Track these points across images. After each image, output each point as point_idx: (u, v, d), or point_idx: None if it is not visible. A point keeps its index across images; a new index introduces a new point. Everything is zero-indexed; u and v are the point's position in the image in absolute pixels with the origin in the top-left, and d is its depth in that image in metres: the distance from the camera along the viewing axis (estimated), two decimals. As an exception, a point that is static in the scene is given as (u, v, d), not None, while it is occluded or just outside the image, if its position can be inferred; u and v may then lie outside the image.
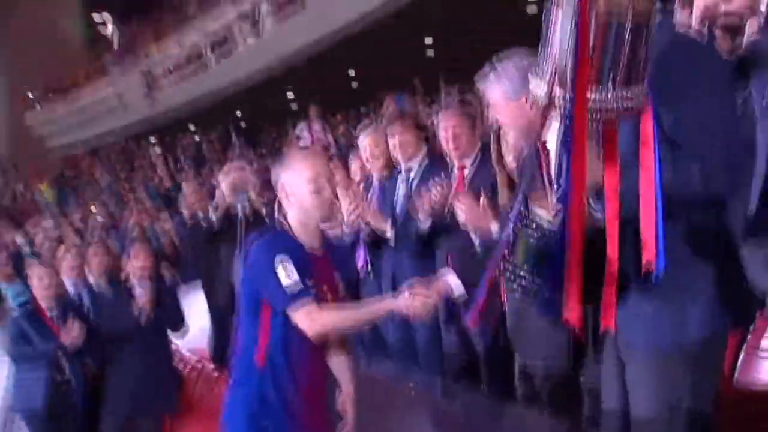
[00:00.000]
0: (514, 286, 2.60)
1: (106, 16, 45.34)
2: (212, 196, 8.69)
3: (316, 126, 16.07)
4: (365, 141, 6.01)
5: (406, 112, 6.04)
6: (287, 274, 3.50)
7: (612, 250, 2.36)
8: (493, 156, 4.75)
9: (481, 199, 4.41)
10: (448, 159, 5.30)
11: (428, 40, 21.99)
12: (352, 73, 25.10)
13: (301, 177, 3.66)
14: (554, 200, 2.48)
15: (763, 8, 3.70)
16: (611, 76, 2.21)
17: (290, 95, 27.39)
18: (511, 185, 4.61)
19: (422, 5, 18.93)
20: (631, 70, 2.22)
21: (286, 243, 3.62)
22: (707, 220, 2.61)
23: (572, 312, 2.42)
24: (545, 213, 2.52)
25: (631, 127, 2.36)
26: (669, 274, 2.47)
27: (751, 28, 3.64)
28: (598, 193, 2.38)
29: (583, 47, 2.18)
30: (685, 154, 2.46)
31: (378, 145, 5.86)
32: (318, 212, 3.66)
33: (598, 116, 2.25)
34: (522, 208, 2.61)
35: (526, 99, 3.14)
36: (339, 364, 3.96)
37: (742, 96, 4.09)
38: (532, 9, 18.81)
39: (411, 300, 3.54)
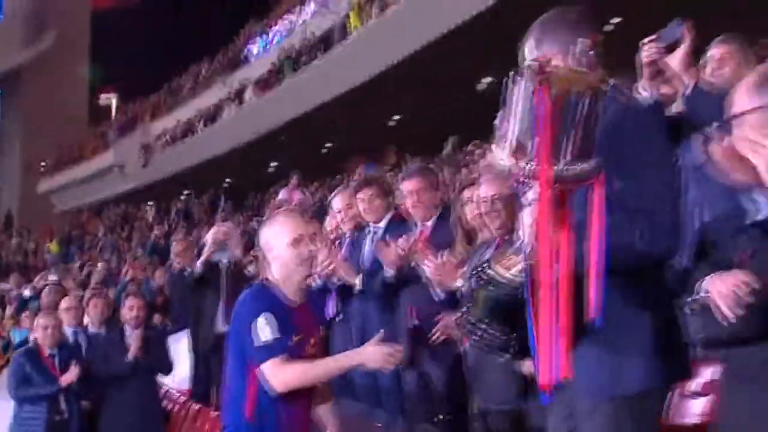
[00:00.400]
0: (474, 338, 2.49)
1: (111, 96, 45.56)
2: (201, 252, 8.59)
3: (296, 191, 16.05)
4: (338, 203, 6.00)
5: (374, 178, 5.99)
6: (264, 333, 3.35)
7: (564, 305, 2.29)
8: (454, 213, 4.73)
9: (442, 255, 4.37)
10: (411, 219, 5.26)
11: (395, 117, 22.13)
12: (328, 144, 25.18)
13: (283, 235, 3.53)
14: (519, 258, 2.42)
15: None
16: (566, 150, 2.17)
17: (273, 164, 27.40)
18: (468, 242, 4.58)
19: (389, 88, 19.07)
20: (584, 144, 2.19)
21: (269, 299, 3.47)
22: (650, 278, 2.58)
23: (543, 378, 2.32)
24: (505, 271, 2.43)
25: (582, 195, 2.32)
26: (612, 329, 2.44)
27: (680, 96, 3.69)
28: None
29: (542, 124, 2.14)
30: (631, 218, 2.43)
31: (350, 207, 5.83)
32: (299, 268, 3.51)
33: (554, 186, 2.22)
34: (480, 268, 2.53)
35: None
36: (324, 412, 3.82)
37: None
38: (482, 86, 18.90)
39: (374, 353, 3.41)
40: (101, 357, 7.16)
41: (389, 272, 5.00)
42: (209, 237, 8.19)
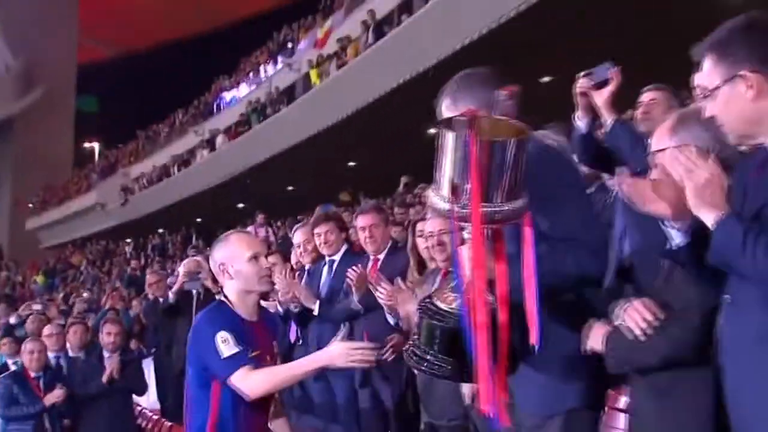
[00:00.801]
0: (422, 367, 2.43)
1: (94, 144, 45.23)
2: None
3: (261, 228, 15.94)
4: (298, 238, 5.94)
5: (330, 215, 5.93)
6: (227, 347, 3.15)
7: (503, 331, 2.27)
8: (409, 243, 4.70)
9: (398, 281, 4.33)
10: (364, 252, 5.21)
11: (351, 163, 22.19)
12: (290, 187, 25.13)
13: (242, 251, 3.31)
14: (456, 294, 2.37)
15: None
16: (496, 193, 2.17)
17: (240, 204, 27.24)
18: (420, 270, 4.55)
19: (346, 136, 19.12)
20: (512, 187, 2.19)
21: (226, 316, 3.27)
22: (583, 300, 2.60)
23: (485, 403, 2.26)
24: (446, 305, 2.40)
25: (514, 230, 2.33)
26: (552, 350, 2.45)
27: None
28: (490, 284, 2.31)
29: (473, 169, 2.13)
30: (560, 248, 2.46)
31: (308, 241, 5.76)
32: (259, 283, 3.32)
33: (487, 224, 2.21)
34: (426, 302, 2.49)
35: None
36: (280, 426, 3.65)
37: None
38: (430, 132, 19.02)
39: (339, 351, 3.17)
40: (80, 378, 7.00)
41: (355, 302, 4.91)
42: (182, 268, 8.09)
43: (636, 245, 3.40)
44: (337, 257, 5.49)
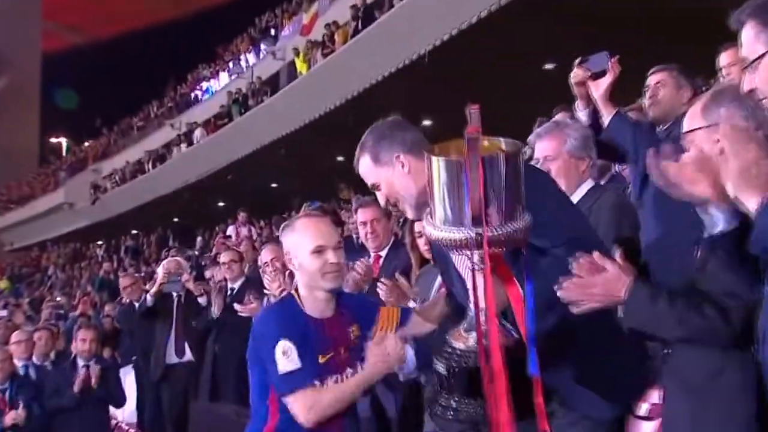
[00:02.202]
0: (437, 411, 2.46)
1: (61, 139, 45.04)
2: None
3: (244, 228, 15.88)
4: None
5: (325, 210, 5.88)
6: (286, 362, 3.00)
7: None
8: (408, 242, 4.67)
9: (398, 276, 4.30)
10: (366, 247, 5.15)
11: (339, 158, 22.12)
12: (274, 184, 25.06)
13: (303, 242, 3.13)
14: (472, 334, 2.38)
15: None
16: (496, 213, 2.17)
17: (221, 203, 27.16)
18: (421, 265, 4.55)
19: (334, 128, 19.08)
20: (512, 205, 2.19)
21: (291, 316, 3.11)
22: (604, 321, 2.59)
23: None
24: (463, 344, 2.39)
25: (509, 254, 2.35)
26: (587, 365, 2.54)
27: None
28: (504, 313, 2.35)
29: (474, 191, 2.14)
30: (564, 254, 2.47)
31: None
32: (324, 280, 3.11)
33: (490, 249, 2.20)
34: (442, 346, 2.48)
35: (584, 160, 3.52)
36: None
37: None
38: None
39: (374, 361, 3.05)
40: (52, 390, 6.90)
41: None
42: (161, 269, 8.06)
43: (655, 238, 3.39)
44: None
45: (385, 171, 2.79)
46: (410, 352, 3.29)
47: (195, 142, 25.92)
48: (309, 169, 21.57)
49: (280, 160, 21.71)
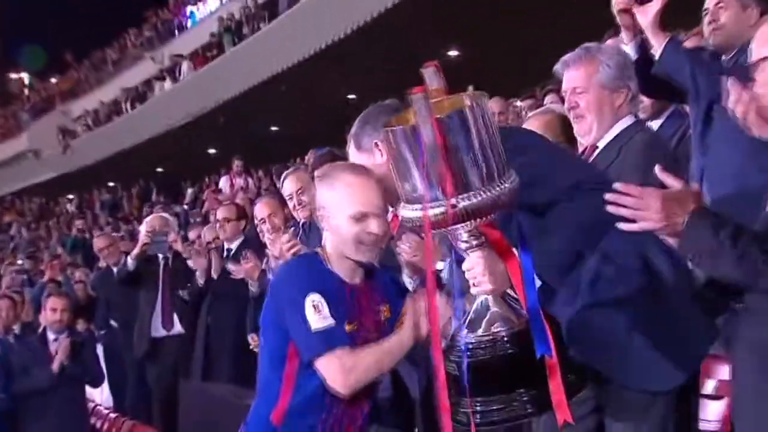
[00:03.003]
0: (461, 419, 2.56)
1: (23, 74, 45.06)
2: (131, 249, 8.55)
3: (239, 179, 15.92)
4: (290, 185, 5.85)
5: (336, 154, 5.85)
6: (319, 318, 3.01)
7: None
8: None
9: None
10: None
11: (351, 96, 22.08)
12: (274, 127, 25.05)
13: (343, 203, 3.12)
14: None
15: None
16: (474, 176, 2.31)
17: (212, 150, 27.21)
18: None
19: (347, 59, 19.01)
20: (491, 165, 2.32)
21: (320, 276, 3.13)
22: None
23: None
24: (470, 337, 2.57)
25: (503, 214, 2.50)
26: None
27: None
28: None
29: (437, 157, 2.30)
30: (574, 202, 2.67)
31: (304, 190, 5.69)
32: (354, 248, 3.12)
33: (475, 220, 2.35)
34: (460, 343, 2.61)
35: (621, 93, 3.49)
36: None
37: None
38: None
39: (415, 317, 3.08)
40: (21, 368, 6.94)
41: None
42: (143, 227, 8.12)
43: (721, 187, 3.45)
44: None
45: (366, 159, 2.94)
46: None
47: (180, 78, 25.89)
48: (315, 110, 21.54)
49: (280, 98, 21.68)
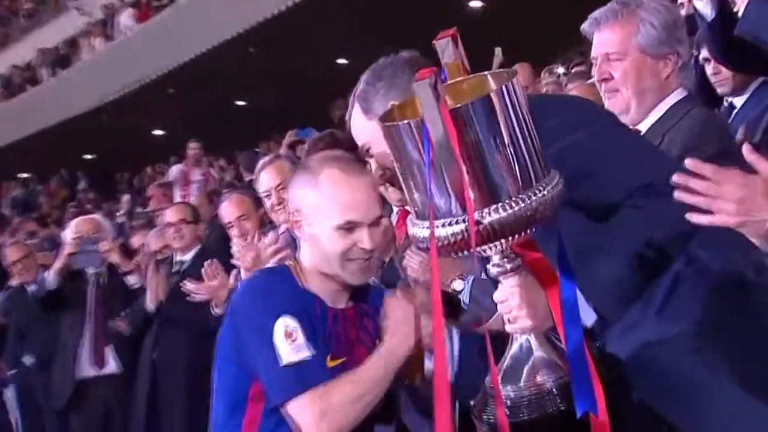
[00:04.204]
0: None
1: None
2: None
3: (197, 169, 15.91)
4: (266, 180, 5.86)
5: (338, 138, 5.84)
6: (292, 345, 2.98)
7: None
8: None
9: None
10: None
11: (342, 60, 22.14)
12: (240, 101, 25.09)
13: (328, 207, 3.14)
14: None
15: None
16: (507, 182, 2.29)
17: (158, 130, 27.25)
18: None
19: (339, 10, 19.07)
20: (524, 165, 2.31)
21: (293, 296, 3.12)
22: None
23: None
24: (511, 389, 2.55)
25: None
26: None
27: None
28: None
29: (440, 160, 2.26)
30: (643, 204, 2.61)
31: (284, 187, 5.70)
32: (340, 265, 3.13)
33: (506, 240, 2.33)
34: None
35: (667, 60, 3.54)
36: None
37: None
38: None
39: (395, 325, 3.10)
40: None
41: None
42: (69, 233, 8.11)
43: None
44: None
45: (377, 130, 2.83)
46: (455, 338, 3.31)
47: (116, 35, 25.92)
48: (294, 78, 21.57)
49: (248, 63, 21.71)
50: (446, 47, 2.42)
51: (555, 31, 14.48)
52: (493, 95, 2.23)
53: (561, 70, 8.02)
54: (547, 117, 2.46)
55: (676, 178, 2.34)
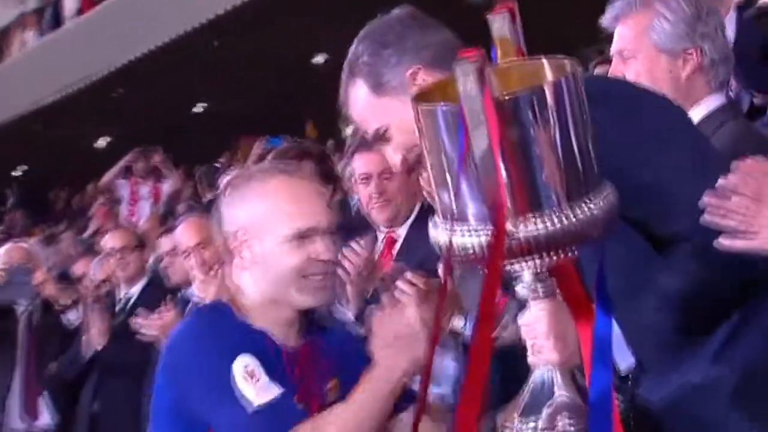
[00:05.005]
0: None
1: None
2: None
3: (145, 185, 15.92)
4: (187, 237, 6.02)
5: (306, 149, 5.90)
6: (259, 387, 2.99)
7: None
8: None
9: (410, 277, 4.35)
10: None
11: (318, 59, 22.22)
12: (201, 103, 25.10)
13: (275, 217, 3.19)
14: None
15: None
16: (553, 189, 2.25)
17: (104, 138, 27.27)
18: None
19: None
20: (576, 171, 2.26)
21: (242, 332, 3.14)
22: None
23: None
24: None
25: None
26: None
27: None
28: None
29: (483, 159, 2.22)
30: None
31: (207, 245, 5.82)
32: (296, 287, 3.17)
33: (543, 260, 2.29)
34: None
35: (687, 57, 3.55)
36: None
37: None
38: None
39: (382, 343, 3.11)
40: None
41: (351, 319, 4.91)
42: (-6, 262, 8.13)
43: None
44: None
45: (395, 101, 2.88)
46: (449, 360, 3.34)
47: (55, 26, 25.95)
48: (262, 77, 21.63)
49: (214, 57, 21.74)
50: (502, 24, 2.41)
51: (569, 25, 14.55)
52: (547, 88, 2.21)
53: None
54: (595, 105, 2.39)
55: (706, 197, 2.34)
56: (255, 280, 3.20)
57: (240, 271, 3.23)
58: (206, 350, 3.09)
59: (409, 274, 4.18)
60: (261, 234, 3.16)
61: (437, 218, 2.33)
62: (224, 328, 3.14)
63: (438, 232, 2.32)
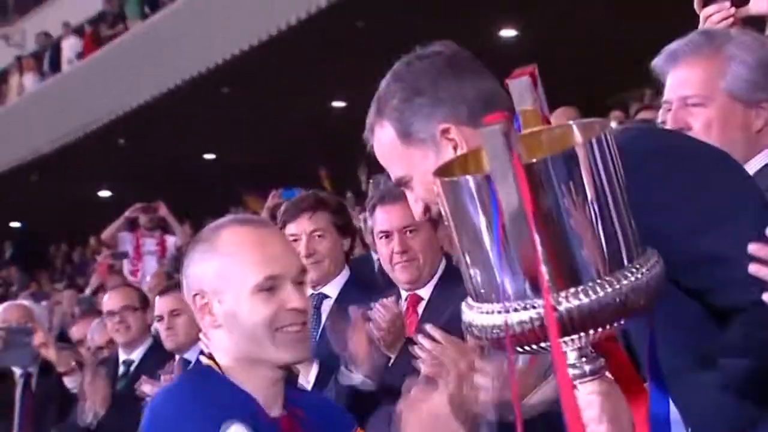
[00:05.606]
0: None
1: None
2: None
3: (151, 238, 15.95)
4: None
5: (324, 199, 5.92)
6: None
7: None
8: None
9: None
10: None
11: (338, 103, 22.28)
12: (209, 155, 25.17)
13: (240, 269, 3.17)
14: None
15: None
16: (592, 259, 2.22)
17: (104, 192, 27.35)
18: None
19: (330, 33, 19.22)
20: (615, 238, 2.23)
21: (232, 397, 3.13)
22: None
23: None
24: None
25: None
26: None
27: None
28: None
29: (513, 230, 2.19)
30: None
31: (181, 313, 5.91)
32: (272, 340, 3.14)
33: (587, 335, 2.25)
34: None
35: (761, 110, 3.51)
36: None
37: None
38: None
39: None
40: None
41: (362, 379, 4.91)
42: (-8, 322, 8.07)
43: None
44: (333, 288, 5.59)
45: (422, 154, 2.88)
46: None
47: (53, 70, 26.05)
48: (275, 127, 21.66)
49: (223, 103, 21.80)
50: (523, 89, 2.40)
51: (608, 65, 14.59)
52: (578, 149, 2.19)
53: (614, 123, 8.00)
54: (636, 168, 2.40)
55: (753, 247, 2.31)
56: (230, 337, 3.19)
57: (213, 330, 3.22)
58: (192, 420, 3.09)
59: (438, 334, 4.18)
60: (224, 291, 3.15)
61: (470, 300, 2.30)
62: (213, 392, 3.15)
63: (473, 314, 2.29)
